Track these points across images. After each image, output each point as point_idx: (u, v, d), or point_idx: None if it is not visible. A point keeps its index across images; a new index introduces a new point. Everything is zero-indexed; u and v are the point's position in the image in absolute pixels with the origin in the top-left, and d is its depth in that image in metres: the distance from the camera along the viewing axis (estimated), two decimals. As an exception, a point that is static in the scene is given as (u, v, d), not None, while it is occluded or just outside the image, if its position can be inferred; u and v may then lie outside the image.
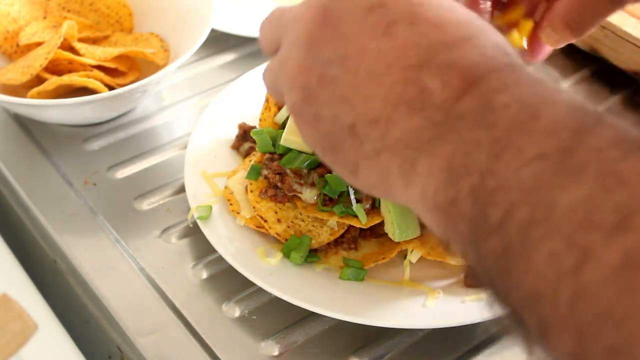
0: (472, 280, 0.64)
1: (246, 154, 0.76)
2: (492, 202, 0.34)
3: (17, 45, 0.86)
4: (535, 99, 0.35)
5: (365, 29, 0.41)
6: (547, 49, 0.60)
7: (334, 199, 0.66)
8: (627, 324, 0.28)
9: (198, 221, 0.68)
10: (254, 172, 0.69)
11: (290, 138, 0.66)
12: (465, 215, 0.35)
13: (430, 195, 0.37)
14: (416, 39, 0.39)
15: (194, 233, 0.71)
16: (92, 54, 0.82)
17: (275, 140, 0.69)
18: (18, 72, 0.80)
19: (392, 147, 0.39)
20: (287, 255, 0.66)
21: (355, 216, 0.65)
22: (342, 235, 0.68)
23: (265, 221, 0.67)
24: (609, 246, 0.29)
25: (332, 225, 0.67)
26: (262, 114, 0.73)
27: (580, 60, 0.94)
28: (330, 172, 0.65)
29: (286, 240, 0.66)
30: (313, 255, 0.67)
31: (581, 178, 0.31)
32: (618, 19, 0.89)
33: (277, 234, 0.66)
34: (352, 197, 0.65)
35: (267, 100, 0.73)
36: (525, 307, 0.33)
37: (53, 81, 0.78)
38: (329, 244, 0.67)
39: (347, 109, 0.41)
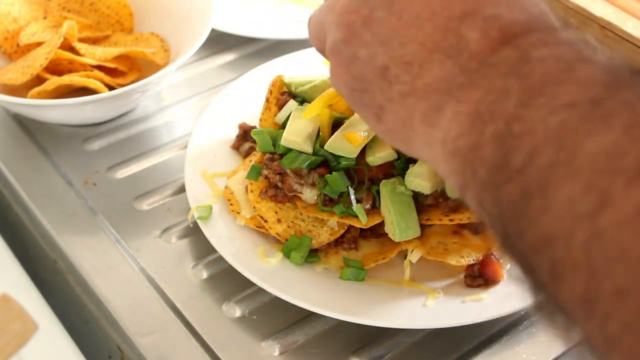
0: (472, 280, 0.64)
1: (246, 154, 0.76)
2: (516, 147, 0.34)
3: (17, 45, 0.86)
4: (571, 56, 0.36)
5: None
6: None
7: (334, 199, 0.66)
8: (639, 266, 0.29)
9: (198, 221, 0.68)
10: (254, 172, 0.69)
11: (291, 138, 0.66)
12: (485, 160, 0.35)
13: (452, 140, 0.38)
14: None
15: (194, 233, 0.71)
16: (92, 54, 0.82)
17: (275, 140, 0.69)
18: (18, 72, 0.80)
19: (421, 91, 0.40)
20: (287, 255, 0.66)
21: (356, 216, 0.65)
22: (343, 235, 0.68)
23: (266, 221, 0.67)
24: (630, 192, 0.29)
25: (332, 225, 0.67)
26: (262, 114, 0.73)
27: (580, 60, 0.94)
28: (330, 172, 0.65)
29: (286, 240, 0.66)
30: (313, 255, 0.67)
31: (609, 126, 0.31)
32: (618, 18, 0.89)
33: (277, 234, 0.66)
34: (352, 197, 0.65)
35: (267, 100, 0.73)
36: (537, 251, 0.33)
37: (53, 81, 0.78)
38: (329, 244, 0.67)
39: (384, 50, 0.42)
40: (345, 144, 0.64)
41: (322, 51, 0.51)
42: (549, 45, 0.37)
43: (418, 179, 0.63)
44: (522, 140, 0.34)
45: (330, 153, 0.65)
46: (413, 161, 0.65)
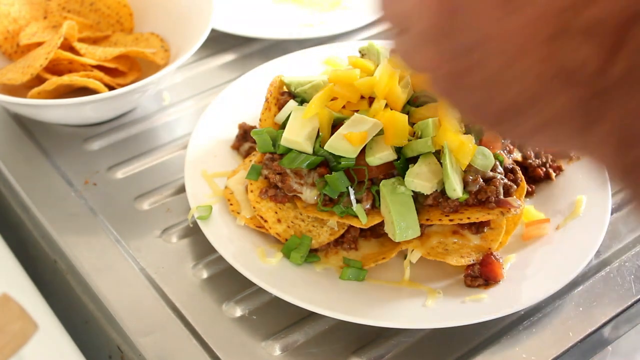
0: (472, 280, 0.64)
1: (246, 154, 0.76)
2: None
3: (17, 45, 0.86)
4: None
5: (488, 11, 0.39)
6: None
7: (334, 199, 0.66)
8: None
9: (198, 221, 0.68)
10: (254, 172, 0.69)
11: (290, 138, 0.66)
12: None
13: (609, 161, 0.38)
14: (545, 4, 0.37)
15: (194, 233, 0.71)
16: (92, 54, 0.82)
17: (275, 140, 0.69)
18: (18, 72, 0.80)
19: (557, 120, 0.40)
20: (287, 255, 0.66)
21: (356, 216, 0.65)
22: (342, 236, 0.68)
23: (266, 221, 0.67)
24: None
25: (332, 225, 0.67)
26: (262, 114, 0.73)
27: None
28: (330, 172, 0.66)
29: (286, 240, 0.66)
30: (313, 255, 0.67)
31: None
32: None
33: (277, 234, 0.66)
34: (352, 197, 0.65)
35: (267, 101, 0.73)
36: None
37: (53, 81, 0.78)
38: (329, 244, 0.67)
39: (497, 93, 0.41)
40: (345, 144, 0.64)
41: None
42: None
43: (418, 179, 0.63)
44: None
45: (330, 153, 0.65)
46: (413, 161, 0.65)
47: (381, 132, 0.65)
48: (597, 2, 0.37)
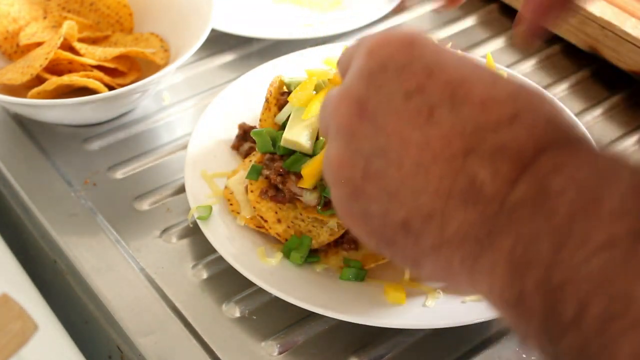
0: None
1: (246, 154, 0.76)
2: (562, 298, 0.31)
3: (17, 45, 0.86)
4: (593, 181, 0.33)
5: (405, 119, 0.38)
6: None
7: (334, 200, 0.66)
8: None
9: (198, 221, 0.68)
10: (254, 172, 0.69)
11: (290, 138, 0.66)
12: (535, 312, 0.33)
13: (497, 293, 0.36)
14: (461, 123, 0.37)
15: (194, 233, 0.71)
16: (92, 54, 0.82)
17: (275, 141, 0.69)
18: (18, 72, 0.80)
19: (451, 241, 0.38)
20: (287, 255, 0.66)
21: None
22: (342, 236, 0.68)
23: (266, 221, 0.67)
24: None
25: (332, 226, 0.67)
26: (262, 114, 0.73)
27: (580, 60, 0.94)
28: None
29: (286, 240, 0.66)
30: (313, 255, 0.67)
31: None
32: (618, 19, 0.89)
33: (277, 234, 0.66)
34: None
35: (267, 101, 0.73)
36: None
37: (53, 81, 0.78)
38: (329, 244, 0.67)
39: (396, 206, 0.39)
40: None
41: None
42: (565, 170, 0.33)
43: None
44: (567, 290, 0.31)
45: None
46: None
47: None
48: (512, 128, 0.36)
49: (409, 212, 0.39)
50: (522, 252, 0.33)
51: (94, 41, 0.87)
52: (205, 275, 0.69)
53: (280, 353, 0.62)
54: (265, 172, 0.68)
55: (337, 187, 0.42)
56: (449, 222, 0.37)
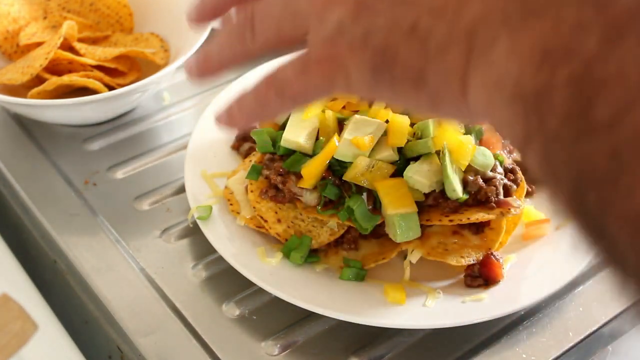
0: (472, 280, 0.64)
1: (246, 154, 0.76)
2: (600, 96, 0.28)
3: (17, 45, 0.86)
4: None
5: None
6: None
7: (334, 201, 0.66)
8: None
9: (198, 221, 0.68)
10: (254, 172, 0.69)
11: (290, 138, 0.66)
12: (558, 108, 0.29)
13: (512, 82, 0.32)
14: None
15: (194, 233, 0.71)
16: (92, 54, 0.82)
17: (275, 141, 0.69)
18: (18, 72, 0.80)
19: (463, 35, 0.34)
20: (287, 255, 0.66)
21: (356, 218, 0.65)
22: (342, 236, 0.68)
23: (266, 221, 0.67)
24: None
25: (332, 226, 0.67)
26: (262, 114, 0.73)
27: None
28: (332, 175, 0.65)
29: (286, 240, 0.66)
30: (313, 255, 0.67)
31: None
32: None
33: (277, 234, 0.66)
34: (352, 197, 0.65)
35: (267, 100, 0.73)
36: (629, 228, 0.28)
37: (53, 81, 0.78)
38: (329, 244, 0.67)
39: (407, 8, 0.36)
40: (353, 150, 0.64)
41: (292, 42, 0.44)
42: None
43: (417, 176, 0.63)
44: (609, 87, 0.28)
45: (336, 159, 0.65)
46: (413, 161, 0.65)
47: (383, 133, 0.65)
48: None
49: (420, 11, 0.36)
50: (561, 39, 0.30)
51: (94, 41, 0.87)
52: (205, 275, 0.68)
53: (280, 353, 0.62)
54: (265, 172, 0.68)
55: (334, 11, 0.40)
56: (466, 10, 0.34)
